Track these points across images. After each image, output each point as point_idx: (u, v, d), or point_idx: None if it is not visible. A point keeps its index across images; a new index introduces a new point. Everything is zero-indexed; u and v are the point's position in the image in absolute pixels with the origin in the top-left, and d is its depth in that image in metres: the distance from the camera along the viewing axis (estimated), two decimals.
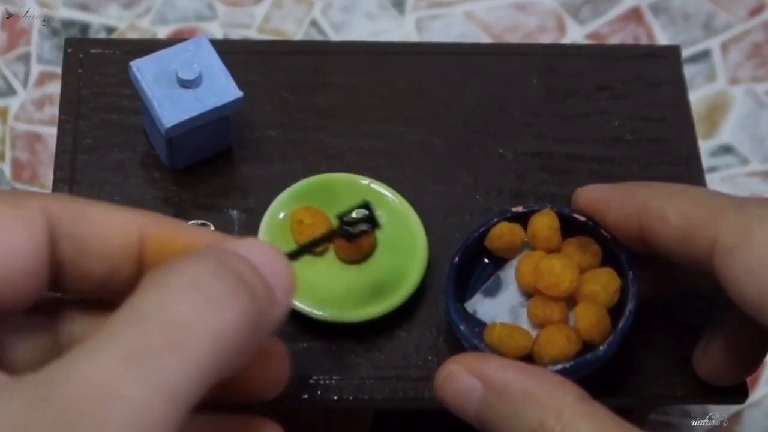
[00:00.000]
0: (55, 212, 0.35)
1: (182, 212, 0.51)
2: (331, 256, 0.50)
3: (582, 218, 0.45)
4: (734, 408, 0.63)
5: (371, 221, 0.45)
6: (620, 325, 0.44)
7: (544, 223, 0.46)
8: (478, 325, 0.46)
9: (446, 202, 0.52)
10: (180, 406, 0.30)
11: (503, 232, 0.46)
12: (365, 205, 0.45)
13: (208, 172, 0.53)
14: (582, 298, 0.45)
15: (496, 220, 0.47)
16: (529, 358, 0.44)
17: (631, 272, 0.44)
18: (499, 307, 0.46)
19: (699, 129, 0.60)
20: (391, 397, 0.48)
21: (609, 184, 0.45)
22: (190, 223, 0.51)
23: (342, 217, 0.44)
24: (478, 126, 0.55)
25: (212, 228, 0.51)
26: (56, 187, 0.52)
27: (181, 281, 0.32)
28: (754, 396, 0.63)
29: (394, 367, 0.48)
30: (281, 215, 0.50)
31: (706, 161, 0.64)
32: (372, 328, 0.49)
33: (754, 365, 0.46)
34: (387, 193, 0.51)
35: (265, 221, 0.50)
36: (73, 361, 0.30)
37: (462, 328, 0.45)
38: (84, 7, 0.74)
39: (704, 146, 0.70)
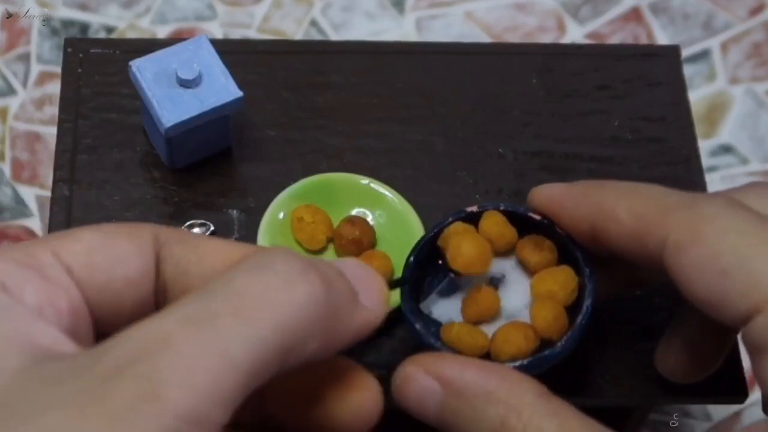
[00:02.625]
0: (163, 237, 0.35)
1: (182, 212, 0.51)
2: (331, 254, 0.50)
3: (537, 217, 0.45)
4: (733, 408, 0.63)
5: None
6: (578, 321, 0.43)
7: (492, 221, 0.45)
8: (434, 324, 0.45)
9: (446, 202, 0.52)
10: (237, 373, 0.29)
11: (458, 231, 0.46)
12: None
13: (208, 172, 0.53)
14: (540, 297, 0.44)
15: (450, 219, 0.46)
16: (486, 357, 0.44)
17: (587, 269, 0.44)
18: (454, 308, 0.46)
19: (699, 129, 0.60)
20: (391, 396, 0.48)
21: (564, 183, 0.44)
22: (189, 222, 0.51)
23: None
24: (477, 125, 0.55)
25: (212, 227, 0.51)
26: (56, 186, 0.52)
27: (254, 261, 0.32)
28: (754, 396, 0.63)
29: (394, 366, 0.48)
30: (281, 215, 0.50)
31: (705, 161, 0.64)
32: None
33: (713, 363, 0.46)
34: (387, 193, 0.51)
35: (264, 221, 0.50)
36: (136, 325, 0.30)
37: (418, 327, 0.44)
38: (84, 7, 0.74)
39: (704, 146, 0.70)
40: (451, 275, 0.46)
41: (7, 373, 0.29)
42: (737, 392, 0.49)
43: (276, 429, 0.36)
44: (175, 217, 0.51)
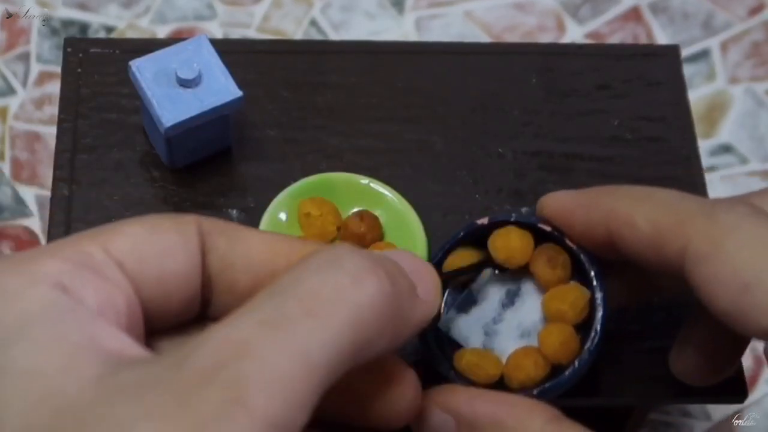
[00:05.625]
0: (206, 227, 0.35)
1: (181, 211, 0.51)
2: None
3: (548, 228, 0.44)
4: (733, 407, 0.63)
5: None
6: (587, 346, 0.42)
7: (503, 244, 0.44)
8: (451, 345, 0.45)
9: (446, 202, 0.53)
10: (316, 373, 0.30)
11: (462, 261, 0.45)
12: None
13: (208, 172, 0.53)
14: (550, 317, 0.44)
15: (459, 236, 0.45)
16: (500, 383, 0.43)
17: (598, 285, 0.43)
18: (471, 325, 0.45)
19: (698, 128, 0.60)
20: None
21: (574, 191, 0.43)
22: None
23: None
24: (477, 125, 0.55)
25: None
26: (56, 186, 0.52)
27: (321, 260, 0.32)
28: (754, 396, 0.63)
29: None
30: (281, 215, 0.50)
31: (705, 160, 0.64)
32: None
33: (728, 367, 0.45)
34: (386, 193, 0.51)
35: (264, 221, 0.50)
36: (212, 329, 0.30)
37: (433, 353, 0.44)
38: (83, 7, 0.74)
39: (704, 145, 0.70)
40: (470, 287, 0.46)
41: (85, 383, 0.29)
42: (737, 392, 0.49)
43: (316, 421, 0.36)
44: None
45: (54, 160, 0.53)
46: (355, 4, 0.75)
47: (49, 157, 0.67)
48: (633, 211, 0.40)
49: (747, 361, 0.49)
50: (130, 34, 0.73)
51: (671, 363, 0.46)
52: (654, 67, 0.57)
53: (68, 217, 0.51)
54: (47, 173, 0.68)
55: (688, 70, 0.70)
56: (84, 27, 0.73)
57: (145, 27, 0.73)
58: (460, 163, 0.54)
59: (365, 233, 0.49)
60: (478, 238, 0.45)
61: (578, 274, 0.44)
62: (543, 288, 0.45)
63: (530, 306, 0.45)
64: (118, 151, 0.53)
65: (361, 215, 0.49)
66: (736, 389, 0.48)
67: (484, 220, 0.45)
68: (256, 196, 0.52)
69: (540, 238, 0.45)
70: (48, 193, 0.56)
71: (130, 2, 0.74)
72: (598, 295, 0.43)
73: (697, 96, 0.72)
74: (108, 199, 0.52)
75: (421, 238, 0.50)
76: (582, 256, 0.43)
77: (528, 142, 0.55)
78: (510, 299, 0.45)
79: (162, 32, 0.73)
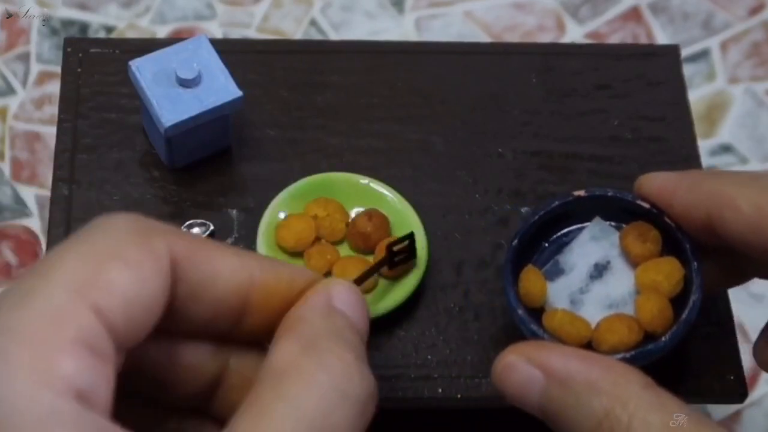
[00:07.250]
0: (178, 254, 0.35)
1: (181, 211, 0.51)
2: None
3: (646, 205, 0.45)
4: (733, 407, 0.63)
5: (412, 251, 0.47)
6: (684, 316, 0.43)
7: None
8: (537, 310, 0.45)
9: (445, 201, 0.53)
10: None
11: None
12: (410, 236, 0.47)
13: (208, 172, 0.53)
14: (644, 288, 0.44)
15: (556, 203, 0.46)
16: (588, 346, 0.43)
17: (695, 262, 0.44)
18: (557, 293, 0.46)
19: (698, 128, 0.60)
20: (391, 396, 0.48)
21: (676, 172, 0.44)
22: (189, 222, 0.51)
23: (391, 247, 0.46)
24: (477, 125, 0.55)
25: (212, 227, 0.51)
26: (55, 186, 0.52)
27: (309, 374, 0.33)
28: (754, 396, 0.64)
29: (394, 366, 0.48)
30: (281, 215, 0.50)
31: (705, 160, 0.64)
32: (371, 327, 0.48)
33: None
34: (386, 193, 0.51)
35: (264, 221, 0.50)
36: None
37: (520, 312, 0.44)
38: (83, 7, 0.74)
39: (703, 145, 0.70)
40: (557, 258, 0.46)
41: None
42: (737, 392, 0.49)
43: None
44: (175, 216, 0.51)
45: (54, 159, 0.53)
46: (355, 4, 0.75)
47: (49, 157, 0.67)
48: (736, 194, 0.41)
49: (747, 361, 0.49)
50: (130, 34, 0.73)
51: (757, 353, 0.46)
52: (654, 67, 0.57)
53: (68, 216, 0.51)
54: (47, 173, 0.68)
55: (688, 70, 0.70)
56: (84, 27, 0.73)
57: (145, 27, 0.73)
58: (460, 163, 0.54)
59: (371, 233, 0.49)
60: (569, 210, 0.46)
61: (673, 253, 0.44)
62: (633, 263, 0.45)
63: (619, 279, 0.45)
64: (118, 151, 0.53)
65: (370, 214, 0.49)
66: (736, 389, 0.49)
67: (581, 192, 0.46)
68: (256, 196, 0.52)
69: (630, 216, 0.45)
70: (48, 193, 0.56)
71: (130, 2, 0.74)
72: (694, 268, 0.43)
73: (697, 96, 0.72)
74: (108, 199, 0.52)
75: (421, 238, 0.50)
76: (678, 231, 0.44)
77: (528, 142, 0.55)
78: (598, 272, 0.46)
79: (162, 32, 0.73)
